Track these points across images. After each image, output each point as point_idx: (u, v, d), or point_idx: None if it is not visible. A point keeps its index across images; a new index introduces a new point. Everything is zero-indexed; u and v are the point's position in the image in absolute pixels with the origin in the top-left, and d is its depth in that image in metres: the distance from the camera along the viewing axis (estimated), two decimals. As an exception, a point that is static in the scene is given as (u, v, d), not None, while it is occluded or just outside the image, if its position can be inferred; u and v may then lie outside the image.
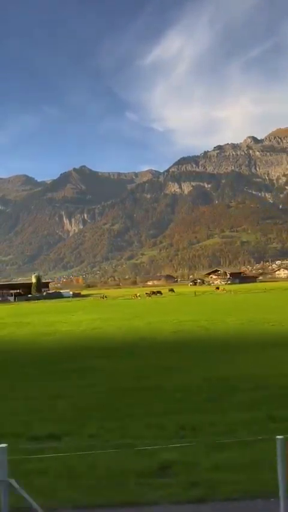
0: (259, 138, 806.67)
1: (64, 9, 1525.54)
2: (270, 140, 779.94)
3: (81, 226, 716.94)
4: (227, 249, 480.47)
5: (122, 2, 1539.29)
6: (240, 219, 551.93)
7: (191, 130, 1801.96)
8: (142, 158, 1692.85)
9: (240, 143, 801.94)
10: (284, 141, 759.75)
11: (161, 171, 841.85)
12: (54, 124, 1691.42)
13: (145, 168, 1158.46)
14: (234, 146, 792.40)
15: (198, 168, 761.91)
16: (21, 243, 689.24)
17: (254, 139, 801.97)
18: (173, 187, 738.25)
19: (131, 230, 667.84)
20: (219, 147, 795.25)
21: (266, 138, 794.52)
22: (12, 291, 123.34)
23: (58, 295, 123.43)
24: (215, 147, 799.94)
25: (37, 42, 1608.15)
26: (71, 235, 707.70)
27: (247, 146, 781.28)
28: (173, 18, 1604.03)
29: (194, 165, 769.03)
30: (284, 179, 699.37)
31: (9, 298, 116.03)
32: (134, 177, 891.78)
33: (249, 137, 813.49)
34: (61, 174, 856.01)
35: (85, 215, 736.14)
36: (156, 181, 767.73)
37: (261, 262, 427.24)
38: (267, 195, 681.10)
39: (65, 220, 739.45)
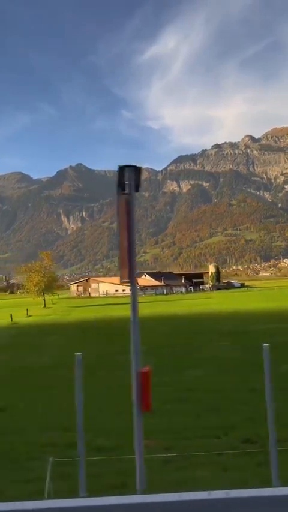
0: (256, 137, 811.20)
1: (60, 7, 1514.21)
2: (267, 139, 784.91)
3: (80, 224, 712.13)
4: (232, 247, 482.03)
5: (118, 1, 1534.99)
6: (242, 218, 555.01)
7: (187, 129, 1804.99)
8: (137, 156, 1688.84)
9: (238, 142, 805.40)
10: (282, 140, 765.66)
11: (157, 169, 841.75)
12: (49, 121, 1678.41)
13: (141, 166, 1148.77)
14: (232, 145, 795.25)
15: (196, 166, 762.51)
16: (19, 241, 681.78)
17: (252, 138, 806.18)
18: (172, 186, 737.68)
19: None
20: (217, 146, 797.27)
21: (263, 137, 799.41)
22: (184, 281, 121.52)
23: (231, 286, 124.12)
24: (213, 146, 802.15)
25: (34, 40, 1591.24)
26: (69, 233, 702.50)
27: (245, 145, 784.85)
28: (170, 17, 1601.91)
29: (192, 164, 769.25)
30: (282, 178, 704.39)
31: (203, 287, 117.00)
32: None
33: (246, 136, 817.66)
34: (57, 172, 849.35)
35: (83, 213, 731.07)
36: (154, 179, 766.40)
37: (271, 260, 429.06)
38: (265, 194, 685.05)
39: (63, 218, 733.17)
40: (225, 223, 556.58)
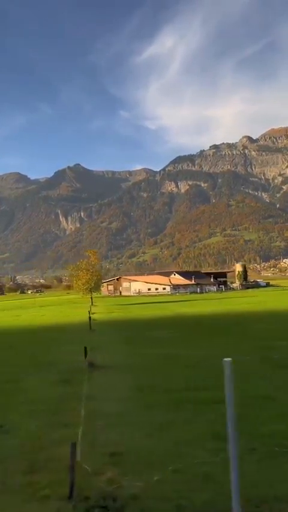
0: (254, 138, 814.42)
1: (59, 7, 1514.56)
2: (265, 140, 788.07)
3: (78, 225, 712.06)
4: (231, 247, 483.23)
5: (116, 1, 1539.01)
6: (241, 218, 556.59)
7: (184, 129, 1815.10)
8: (134, 156, 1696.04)
9: (236, 143, 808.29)
10: (279, 140, 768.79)
11: (154, 169, 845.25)
12: (47, 122, 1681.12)
13: (138, 166, 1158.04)
14: (230, 146, 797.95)
15: (194, 167, 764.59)
16: (17, 241, 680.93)
17: (250, 139, 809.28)
18: (170, 186, 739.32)
19: (129, 229, 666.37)
20: (215, 146, 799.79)
21: (261, 138, 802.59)
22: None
23: (257, 285, 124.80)
24: (211, 146, 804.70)
25: (32, 40, 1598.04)
26: (67, 233, 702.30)
27: (243, 146, 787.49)
28: (168, 17, 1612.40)
29: (190, 164, 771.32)
30: (279, 179, 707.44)
31: (232, 286, 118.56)
32: (128, 175, 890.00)
33: (244, 137, 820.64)
34: (55, 172, 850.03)
35: (82, 213, 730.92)
36: (153, 179, 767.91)
37: (270, 260, 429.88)
38: (263, 194, 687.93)
39: (61, 218, 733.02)
40: (224, 223, 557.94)
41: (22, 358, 15.27)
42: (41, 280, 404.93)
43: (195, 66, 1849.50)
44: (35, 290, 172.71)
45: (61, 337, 20.09)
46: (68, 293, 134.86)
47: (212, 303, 49.07)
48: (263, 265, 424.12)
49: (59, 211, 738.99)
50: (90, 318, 22.90)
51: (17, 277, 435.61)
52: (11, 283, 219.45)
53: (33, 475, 5.25)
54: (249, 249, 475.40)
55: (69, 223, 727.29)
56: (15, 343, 19.43)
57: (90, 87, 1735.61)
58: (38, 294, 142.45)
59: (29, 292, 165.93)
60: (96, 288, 60.12)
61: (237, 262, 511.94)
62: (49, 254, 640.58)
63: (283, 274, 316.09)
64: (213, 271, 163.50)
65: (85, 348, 12.97)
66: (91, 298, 54.69)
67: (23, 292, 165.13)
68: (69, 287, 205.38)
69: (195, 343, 16.89)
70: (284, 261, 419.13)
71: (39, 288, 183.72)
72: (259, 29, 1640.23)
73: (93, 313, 34.35)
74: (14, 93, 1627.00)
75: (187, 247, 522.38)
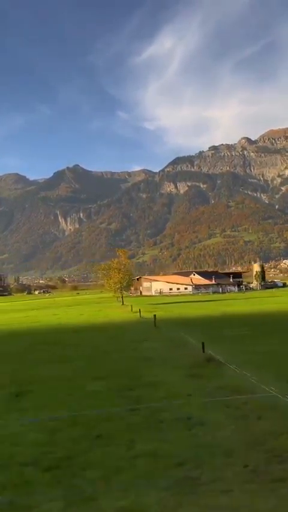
0: (252, 139, 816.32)
1: (59, 7, 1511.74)
2: (264, 141, 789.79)
3: (77, 226, 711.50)
4: (231, 248, 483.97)
5: (115, 1, 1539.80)
6: (240, 219, 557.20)
7: (183, 130, 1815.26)
8: (133, 157, 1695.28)
9: (235, 144, 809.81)
10: (278, 142, 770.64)
11: (153, 170, 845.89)
12: (45, 122, 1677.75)
13: (137, 167, 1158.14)
14: (229, 147, 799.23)
15: (193, 168, 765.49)
16: (17, 242, 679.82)
17: (248, 140, 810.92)
18: (169, 187, 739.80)
19: (128, 229, 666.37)
20: (214, 148, 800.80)
21: (259, 139, 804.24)
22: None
23: (275, 285, 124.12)
24: (210, 147, 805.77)
25: (31, 40, 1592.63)
26: (67, 234, 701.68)
27: (242, 147, 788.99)
28: (168, 17, 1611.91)
29: (189, 165, 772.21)
30: (278, 180, 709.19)
31: (251, 286, 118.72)
32: (127, 176, 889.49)
33: (243, 138, 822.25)
34: (54, 173, 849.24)
35: (81, 214, 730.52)
36: (152, 180, 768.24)
37: (271, 261, 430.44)
38: (262, 195, 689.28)
39: (61, 219, 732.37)
40: (223, 224, 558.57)
41: (121, 353, 15.31)
42: (41, 281, 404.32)
43: (194, 66, 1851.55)
44: (41, 291, 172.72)
45: (135, 335, 20.31)
46: (77, 293, 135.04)
47: (246, 302, 49.43)
48: (266, 266, 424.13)
49: (58, 212, 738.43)
50: (155, 315, 23.15)
51: (21, 278, 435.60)
52: (15, 283, 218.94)
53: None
54: (249, 250, 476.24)
55: (68, 224, 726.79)
56: (90, 341, 19.50)
57: (89, 87, 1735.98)
58: (47, 295, 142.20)
59: (36, 292, 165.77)
60: (127, 287, 60.45)
61: (236, 263, 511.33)
62: (48, 255, 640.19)
63: (285, 274, 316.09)
64: (232, 271, 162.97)
65: (203, 343, 13.21)
66: (122, 297, 54.90)
67: (29, 292, 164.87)
68: (75, 287, 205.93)
69: (281, 339, 17.11)
70: (284, 261, 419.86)
71: (46, 289, 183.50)
72: (258, 30, 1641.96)
73: (135, 312, 34.60)
74: (12, 93, 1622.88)
75: (187, 248, 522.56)
